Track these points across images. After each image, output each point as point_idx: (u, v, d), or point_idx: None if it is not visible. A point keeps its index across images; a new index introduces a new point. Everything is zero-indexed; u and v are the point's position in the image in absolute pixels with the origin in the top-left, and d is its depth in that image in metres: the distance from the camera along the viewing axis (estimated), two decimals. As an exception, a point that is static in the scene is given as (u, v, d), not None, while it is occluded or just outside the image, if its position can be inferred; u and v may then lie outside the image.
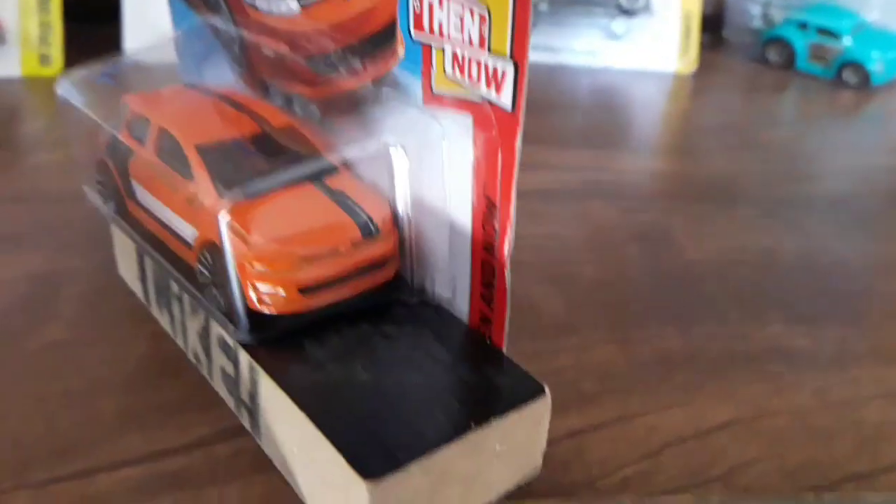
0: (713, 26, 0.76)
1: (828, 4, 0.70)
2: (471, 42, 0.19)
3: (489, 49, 0.19)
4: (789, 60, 0.69)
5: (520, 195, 0.20)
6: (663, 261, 0.34)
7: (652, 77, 0.64)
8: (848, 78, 0.65)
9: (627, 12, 0.66)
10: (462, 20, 0.19)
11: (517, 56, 0.18)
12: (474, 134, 0.20)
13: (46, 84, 0.53)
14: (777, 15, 0.73)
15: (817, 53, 0.68)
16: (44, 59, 0.55)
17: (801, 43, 0.68)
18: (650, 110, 0.59)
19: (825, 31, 0.67)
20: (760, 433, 0.24)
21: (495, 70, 0.19)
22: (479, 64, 0.19)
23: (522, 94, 0.18)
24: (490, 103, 0.19)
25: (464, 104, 0.20)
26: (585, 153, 0.47)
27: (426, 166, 0.22)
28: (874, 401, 0.26)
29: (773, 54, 0.71)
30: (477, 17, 0.19)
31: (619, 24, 0.66)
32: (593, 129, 0.52)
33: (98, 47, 0.33)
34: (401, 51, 0.21)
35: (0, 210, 0.36)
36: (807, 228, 0.39)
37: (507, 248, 0.21)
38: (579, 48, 0.66)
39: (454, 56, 0.20)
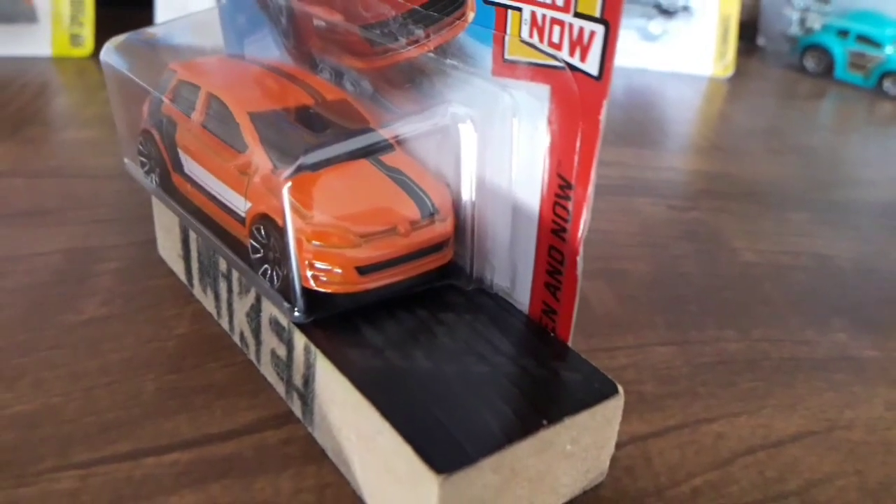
0: (748, 33, 0.74)
1: (869, 12, 0.68)
2: (554, 3, 0.18)
3: (575, 10, 0.17)
4: (827, 68, 0.68)
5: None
6: (717, 260, 0.33)
7: (687, 80, 0.63)
8: (889, 88, 0.64)
9: (666, 12, 0.64)
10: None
11: (609, 14, 0.17)
12: (551, 106, 0.19)
13: (77, 65, 0.52)
14: (815, 22, 0.71)
15: (857, 62, 0.66)
16: (75, 40, 0.54)
17: (840, 51, 0.67)
18: (688, 111, 0.57)
19: (866, 39, 0.66)
20: (835, 447, 0.23)
21: (581, 32, 0.17)
22: (561, 26, 0.18)
23: (612, 58, 0.17)
24: (573, 70, 0.18)
25: (540, 72, 0.19)
26: (627, 151, 0.46)
27: (491, 143, 0.21)
28: (953, 415, 0.24)
29: (811, 62, 0.69)
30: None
31: (657, 24, 0.64)
32: (633, 128, 0.51)
33: (130, 30, 0.31)
34: (470, 15, 0.20)
35: (34, 184, 0.35)
36: (862, 234, 0.37)
37: (581, 231, 0.19)
38: (615, 48, 0.65)
39: (533, 18, 0.18)
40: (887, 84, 0.64)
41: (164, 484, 0.18)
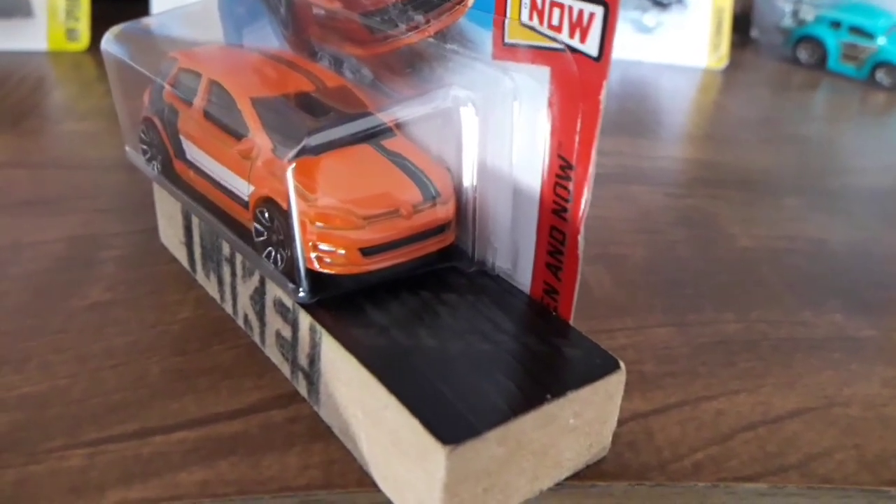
0: (742, 25, 0.75)
1: (861, 3, 0.68)
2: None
3: (576, -8, 0.18)
4: (821, 60, 0.68)
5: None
6: (713, 245, 0.33)
7: (682, 71, 0.63)
8: (881, 79, 0.64)
9: (661, 5, 0.65)
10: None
11: (609, -6, 0.17)
12: (551, 87, 0.19)
13: (73, 59, 0.52)
14: (808, 13, 0.71)
15: (850, 53, 0.67)
16: (71, 34, 0.54)
17: (833, 42, 0.67)
18: (683, 102, 0.58)
19: (858, 31, 0.66)
20: (833, 422, 0.23)
21: (580, 14, 0.18)
22: (561, 8, 0.18)
23: (612, 39, 0.17)
24: (573, 51, 0.18)
25: (540, 55, 0.19)
26: (622, 140, 0.46)
27: (492, 126, 0.21)
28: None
29: (804, 53, 0.70)
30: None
31: (651, 16, 0.65)
32: (628, 118, 0.51)
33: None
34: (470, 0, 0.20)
35: (35, 174, 0.35)
36: (856, 219, 0.37)
37: (582, 210, 0.20)
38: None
39: (532, 1, 0.19)
40: (879, 74, 0.65)
41: (173, 461, 0.19)
